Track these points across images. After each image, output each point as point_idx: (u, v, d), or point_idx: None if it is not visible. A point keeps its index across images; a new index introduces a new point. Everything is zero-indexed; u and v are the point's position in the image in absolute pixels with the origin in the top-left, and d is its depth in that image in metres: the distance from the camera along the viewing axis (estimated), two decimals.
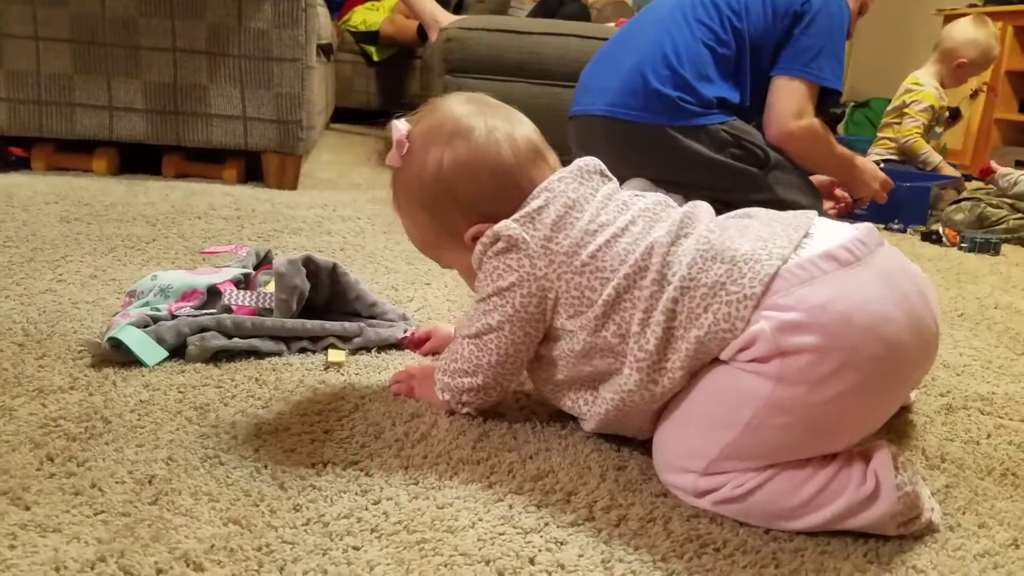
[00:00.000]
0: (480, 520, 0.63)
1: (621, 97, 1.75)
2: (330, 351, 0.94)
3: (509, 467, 0.72)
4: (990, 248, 1.92)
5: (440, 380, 0.80)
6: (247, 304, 0.99)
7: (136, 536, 0.58)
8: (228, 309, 0.97)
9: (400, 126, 0.78)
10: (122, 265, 1.24)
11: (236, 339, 0.91)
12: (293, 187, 1.99)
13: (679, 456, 0.68)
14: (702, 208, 0.76)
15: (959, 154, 3.65)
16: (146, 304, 0.96)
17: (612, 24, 3.02)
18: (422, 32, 3.18)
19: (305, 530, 0.60)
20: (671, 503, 0.68)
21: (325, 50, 2.64)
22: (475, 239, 0.75)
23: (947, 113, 2.76)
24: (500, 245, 0.73)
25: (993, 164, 2.24)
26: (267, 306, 0.98)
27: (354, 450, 0.72)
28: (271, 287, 1.00)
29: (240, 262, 1.14)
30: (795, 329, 0.61)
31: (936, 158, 2.62)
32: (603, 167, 0.79)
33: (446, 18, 2.72)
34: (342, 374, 0.89)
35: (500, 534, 0.62)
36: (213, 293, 0.99)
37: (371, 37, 3.55)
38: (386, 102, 3.67)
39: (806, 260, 0.64)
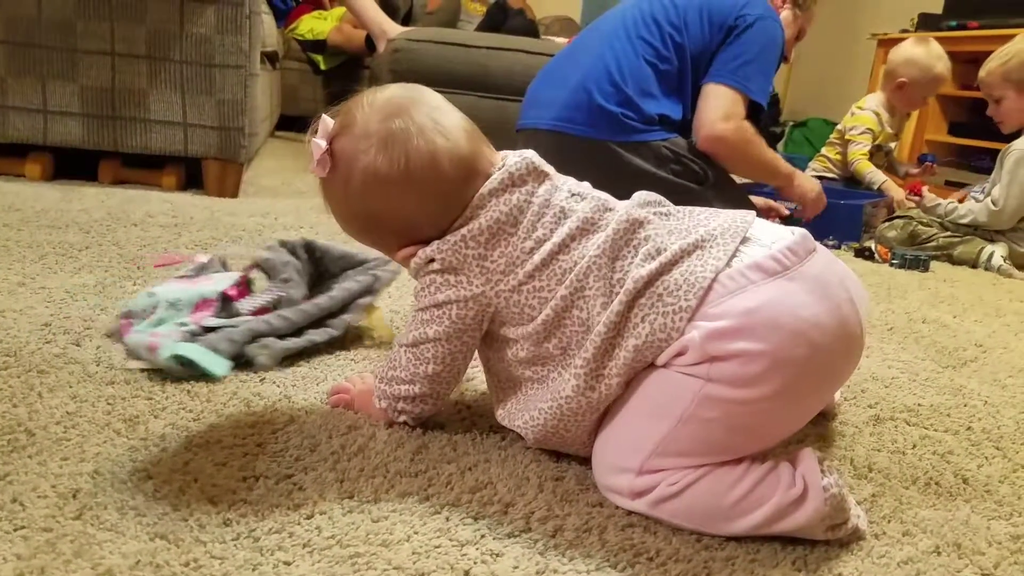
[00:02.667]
0: (416, 533, 0.63)
1: (567, 112, 1.77)
2: (369, 315, 1.01)
3: (447, 479, 0.72)
4: (919, 264, 1.99)
5: (377, 387, 0.79)
6: (261, 304, 0.98)
7: (58, 552, 0.56)
8: (237, 313, 0.96)
9: (320, 143, 0.73)
10: (52, 273, 1.20)
11: (291, 339, 0.93)
12: (234, 195, 1.96)
13: (616, 455, 0.69)
14: (640, 211, 0.73)
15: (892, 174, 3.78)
16: (161, 321, 0.93)
17: (563, 40, 3.05)
18: (370, 42, 3.16)
19: (235, 545, 0.59)
20: (607, 512, 0.68)
21: (270, 57, 2.61)
22: (407, 258, 0.75)
23: (892, 144, 2.83)
24: (435, 266, 0.73)
25: (925, 191, 2.32)
26: (280, 296, 0.99)
27: (288, 463, 0.71)
28: (260, 287, 1.03)
29: (205, 269, 1.12)
30: (723, 336, 0.63)
31: (880, 177, 2.68)
32: (537, 162, 0.76)
33: (394, 29, 2.72)
34: (277, 385, 0.88)
35: (436, 547, 0.61)
36: (225, 300, 0.97)
37: (318, 46, 3.52)
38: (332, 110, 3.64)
39: (736, 271, 0.65)
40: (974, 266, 2.11)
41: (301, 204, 1.96)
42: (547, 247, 0.71)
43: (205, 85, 1.87)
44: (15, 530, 0.58)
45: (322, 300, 0.98)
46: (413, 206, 0.73)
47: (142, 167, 1.97)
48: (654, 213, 0.74)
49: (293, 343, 0.93)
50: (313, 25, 3.53)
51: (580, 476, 0.74)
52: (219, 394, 0.84)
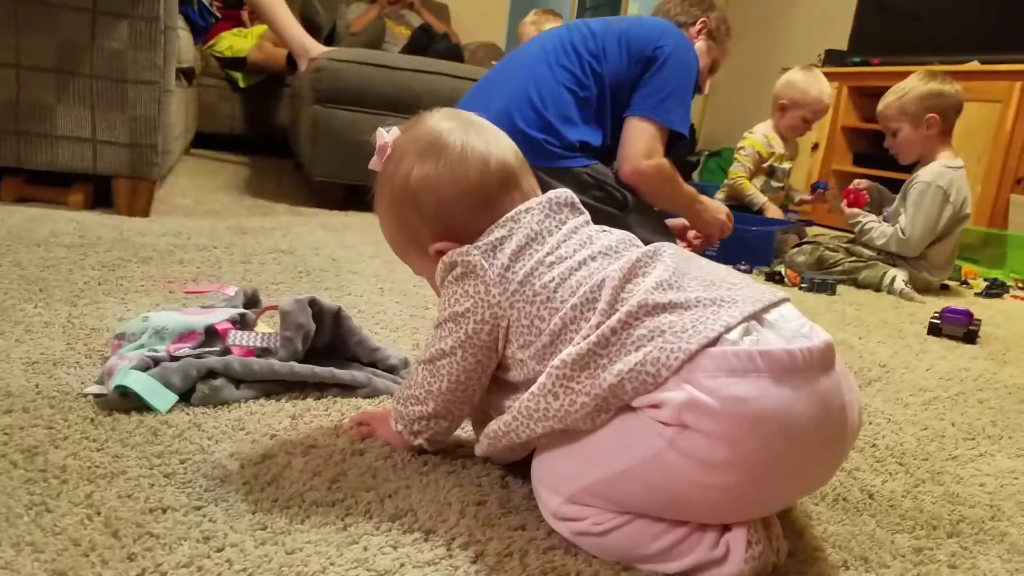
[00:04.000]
0: (332, 564, 0.61)
1: None
2: None
3: (366, 507, 0.70)
4: (827, 288, 2.07)
5: (395, 409, 0.79)
6: (249, 345, 0.95)
7: None
8: (227, 351, 0.93)
9: (384, 133, 0.78)
10: None
11: (244, 388, 0.89)
12: (145, 214, 1.89)
13: (552, 474, 0.69)
14: (668, 249, 0.73)
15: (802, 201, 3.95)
16: (141, 346, 0.90)
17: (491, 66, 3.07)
18: (291, 60, 3.12)
19: None
20: (528, 536, 0.68)
21: (187, 74, 2.54)
22: (439, 253, 0.75)
23: (787, 165, 2.95)
24: (458, 271, 0.73)
25: (843, 206, 2.42)
26: (270, 346, 0.95)
27: (197, 494, 0.68)
28: (262, 328, 1.00)
29: (229, 302, 1.10)
30: (703, 411, 0.60)
31: (761, 199, 2.79)
32: (575, 199, 0.78)
33: (316, 48, 2.69)
34: (186, 413, 0.84)
35: None
36: (211, 334, 0.94)
37: (237, 63, 3.46)
38: (251, 129, 3.57)
39: (746, 352, 0.61)
40: (878, 289, 2.21)
41: (216, 224, 1.91)
42: (568, 263, 0.71)
43: (117, 101, 1.80)
44: None
45: (302, 369, 0.92)
46: (452, 197, 0.74)
47: (48, 184, 1.88)
48: (680, 258, 0.72)
49: (242, 394, 0.89)
50: (233, 42, 3.47)
51: (503, 500, 0.74)
52: (124, 423, 0.80)
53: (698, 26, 2.09)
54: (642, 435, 0.63)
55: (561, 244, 0.73)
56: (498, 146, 0.77)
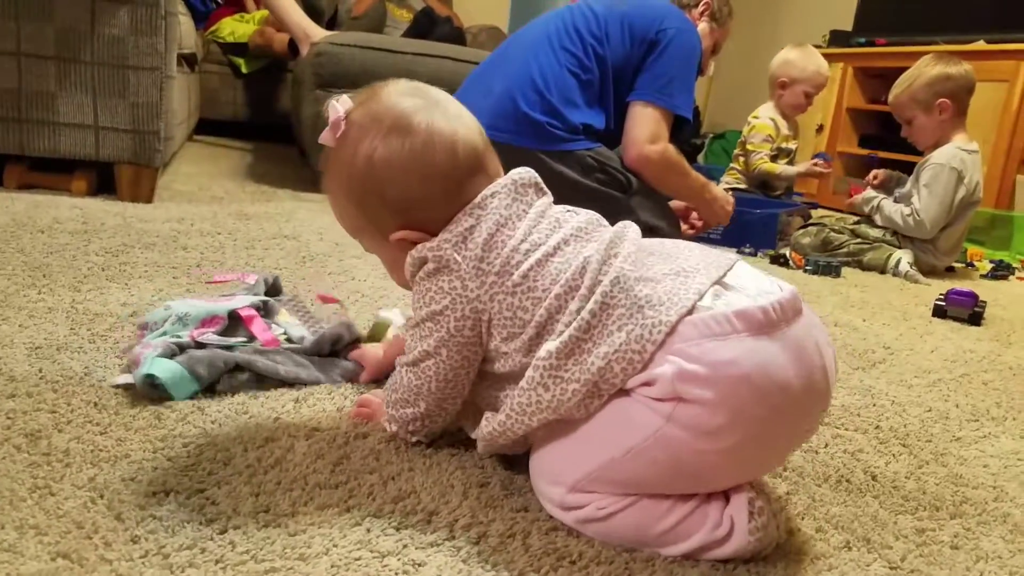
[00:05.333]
0: (335, 546, 0.61)
1: (492, 120, 1.77)
2: (378, 330, 1.02)
3: (369, 489, 0.70)
4: (832, 271, 2.07)
5: (387, 412, 0.79)
6: (278, 335, 0.97)
7: None
8: (252, 338, 0.94)
9: (338, 106, 0.73)
10: None
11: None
12: (149, 200, 1.89)
13: (553, 466, 0.69)
14: (631, 229, 0.73)
15: (805, 183, 3.92)
16: (164, 334, 0.90)
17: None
18: (293, 46, 3.10)
19: (143, 563, 0.56)
20: (531, 518, 0.68)
21: (188, 60, 2.53)
22: (400, 242, 0.73)
23: (792, 145, 2.95)
24: (430, 267, 0.70)
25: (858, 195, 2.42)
26: (295, 336, 0.98)
27: (200, 477, 0.69)
28: (284, 317, 1.02)
29: (250, 289, 1.10)
30: (695, 380, 0.60)
31: (792, 170, 2.83)
32: (538, 179, 0.76)
33: (317, 32, 2.68)
34: (190, 397, 0.85)
35: (356, 559, 0.60)
36: (233, 319, 0.94)
37: (239, 49, 3.44)
38: (254, 115, 3.56)
39: (722, 315, 0.62)
40: (883, 272, 2.20)
41: (219, 210, 1.91)
42: (543, 249, 0.69)
43: (118, 87, 1.80)
44: None
45: (324, 375, 0.94)
46: (417, 184, 0.71)
47: (51, 171, 1.88)
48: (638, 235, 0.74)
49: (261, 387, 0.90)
50: (234, 27, 3.45)
51: (505, 482, 0.74)
52: (127, 407, 0.80)
53: (701, 8, 2.08)
54: (639, 415, 0.63)
55: (532, 230, 0.71)
56: (465, 127, 0.73)
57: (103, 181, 1.91)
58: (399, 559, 0.61)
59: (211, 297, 1.04)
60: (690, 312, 0.62)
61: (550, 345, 0.65)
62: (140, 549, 0.58)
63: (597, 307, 0.65)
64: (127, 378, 0.85)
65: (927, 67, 2.25)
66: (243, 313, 0.96)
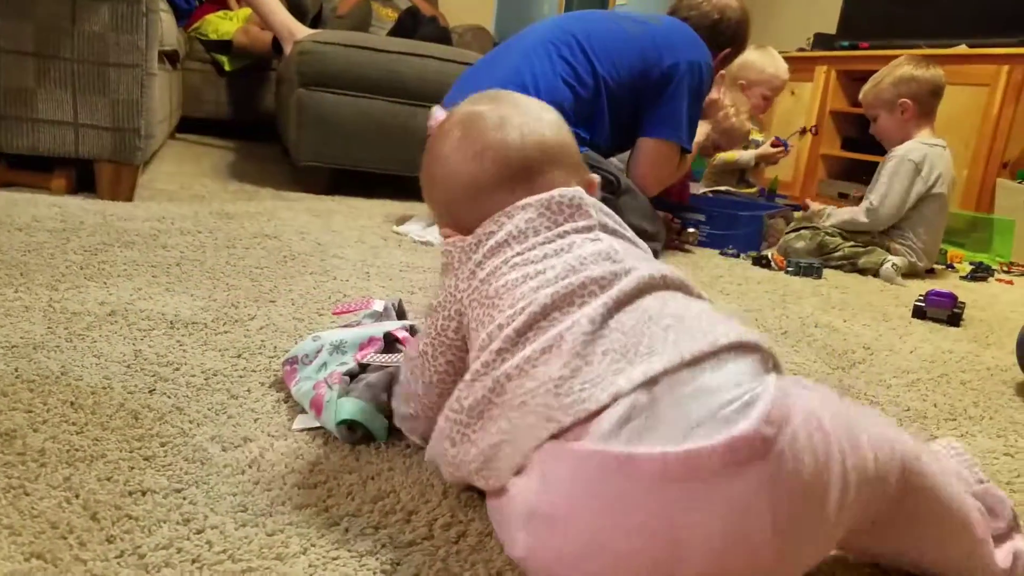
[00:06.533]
0: (313, 546, 0.61)
1: None
2: None
3: (348, 489, 0.70)
4: (813, 272, 2.08)
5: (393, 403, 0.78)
6: None
7: None
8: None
9: (437, 114, 0.78)
10: None
11: None
12: (129, 198, 1.87)
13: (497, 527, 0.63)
14: (635, 276, 0.61)
15: (789, 186, 3.95)
16: (325, 366, 0.87)
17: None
18: (277, 44, 3.09)
19: (118, 563, 0.56)
20: None
21: (171, 57, 2.51)
22: (445, 237, 0.73)
23: (759, 138, 3.02)
24: (443, 262, 0.71)
25: (809, 201, 2.48)
26: None
27: (177, 477, 0.68)
28: None
29: (377, 316, 1.04)
30: (545, 515, 0.53)
31: (748, 154, 2.95)
32: (583, 200, 0.68)
33: (301, 31, 2.67)
34: (168, 397, 0.84)
35: (333, 559, 0.60)
36: (390, 340, 0.91)
37: (223, 47, 3.42)
38: (237, 113, 3.54)
39: (600, 455, 0.50)
40: (876, 275, 2.21)
41: (200, 209, 1.90)
42: (527, 269, 0.63)
43: (98, 84, 1.78)
44: None
45: None
46: (443, 187, 0.73)
47: (30, 169, 1.86)
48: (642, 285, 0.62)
49: None
50: (218, 25, 3.43)
51: None
52: (105, 406, 0.80)
53: (721, 55, 2.10)
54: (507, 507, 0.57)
55: (537, 246, 0.65)
56: (528, 134, 0.70)
57: (83, 179, 1.89)
58: (377, 559, 0.61)
59: (359, 325, 0.99)
60: (593, 416, 0.51)
61: (463, 397, 0.60)
62: (115, 549, 0.57)
63: (515, 370, 0.57)
64: (309, 421, 0.81)
65: (896, 67, 2.28)
66: (398, 334, 0.92)
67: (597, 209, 0.69)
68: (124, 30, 1.77)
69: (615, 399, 0.51)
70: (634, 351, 0.54)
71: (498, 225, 0.67)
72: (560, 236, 0.66)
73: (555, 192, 0.68)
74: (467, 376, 0.61)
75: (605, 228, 0.68)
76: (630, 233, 0.71)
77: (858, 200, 2.43)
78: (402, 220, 2.05)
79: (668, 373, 0.52)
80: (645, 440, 0.49)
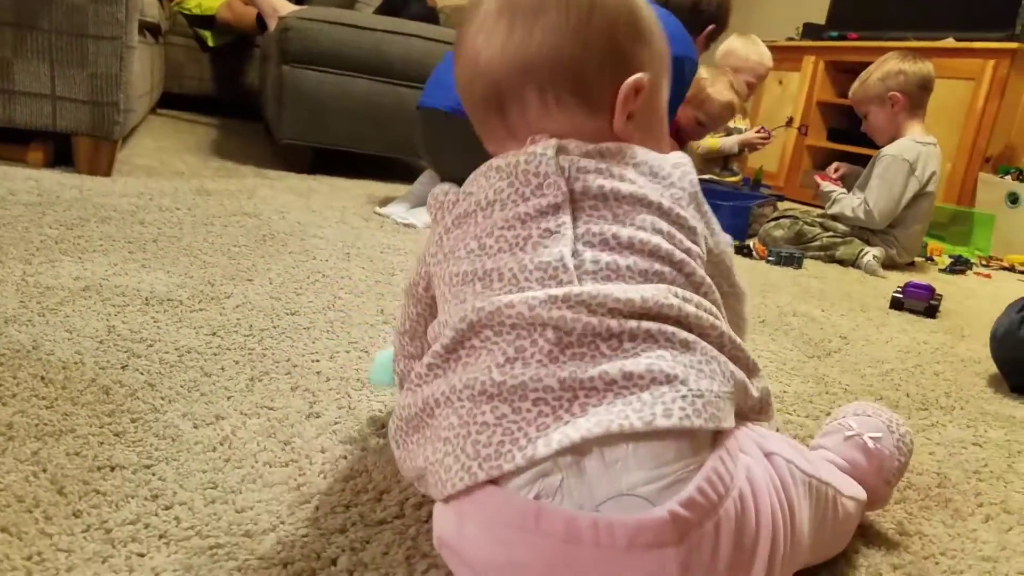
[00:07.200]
0: (282, 523, 0.61)
1: None
2: None
3: (320, 468, 0.70)
4: (793, 262, 2.09)
5: None
6: None
7: None
8: None
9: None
10: None
11: None
12: (107, 173, 1.84)
13: None
14: (580, 308, 0.49)
15: (774, 176, 3.96)
16: None
17: None
18: (261, 20, 3.05)
19: (84, 537, 0.56)
20: None
21: (152, 30, 2.48)
22: None
23: (742, 126, 3.03)
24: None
25: (817, 178, 2.45)
26: None
27: (148, 453, 0.68)
28: None
29: None
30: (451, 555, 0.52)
31: (732, 140, 2.94)
32: (548, 165, 0.54)
33: (285, 7, 2.64)
34: (141, 373, 0.83)
35: (302, 536, 0.60)
36: None
37: (206, 22, 3.37)
38: (220, 90, 3.50)
39: (520, 506, 0.46)
40: (854, 265, 2.23)
41: (179, 185, 1.88)
42: (472, 265, 0.54)
43: (77, 57, 1.75)
44: None
45: None
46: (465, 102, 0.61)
47: (6, 142, 1.83)
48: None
49: None
50: (202, 0, 3.38)
51: None
52: (76, 381, 0.79)
53: (705, 32, 2.08)
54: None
55: (496, 230, 0.54)
56: (501, 49, 0.56)
57: (60, 153, 1.86)
58: (346, 536, 0.61)
59: None
60: (511, 474, 0.47)
61: (404, 407, 0.54)
62: (82, 524, 0.57)
63: (443, 398, 0.51)
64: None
65: (884, 62, 2.29)
66: None
67: (573, 173, 0.54)
68: (103, 1, 1.73)
69: (533, 465, 0.46)
70: (567, 407, 0.47)
71: (474, 187, 0.57)
72: (521, 221, 0.53)
73: (523, 155, 0.55)
74: (414, 376, 0.54)
75: (583, 202, 0.53)
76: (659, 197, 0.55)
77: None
78: (385, 202, 2.04)
79: (596, 443, 0.46)
80: (559, 503, 0.46)
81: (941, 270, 2.43)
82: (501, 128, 0.58)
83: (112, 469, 0.64)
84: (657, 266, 0.52)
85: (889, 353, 1.36)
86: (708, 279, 0.55)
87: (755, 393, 0.55)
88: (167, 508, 0.60)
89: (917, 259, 2.47)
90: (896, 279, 2.05)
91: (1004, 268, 2.68)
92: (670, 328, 0.50)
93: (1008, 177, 3.04)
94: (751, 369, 0.57)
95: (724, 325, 0.54)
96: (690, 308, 0.51)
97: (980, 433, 1.04)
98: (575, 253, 0.51)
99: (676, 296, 0.51)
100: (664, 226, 0.54)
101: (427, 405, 0.52)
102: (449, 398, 0.50)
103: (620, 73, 0.57)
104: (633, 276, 0.51)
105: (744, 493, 0.48)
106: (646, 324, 0.49)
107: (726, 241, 0.63)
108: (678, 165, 0.58)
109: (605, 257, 0.51)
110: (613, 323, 0.48)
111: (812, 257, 2.24)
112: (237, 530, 0.59)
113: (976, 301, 1.99)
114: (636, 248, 0.52)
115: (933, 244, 2.65)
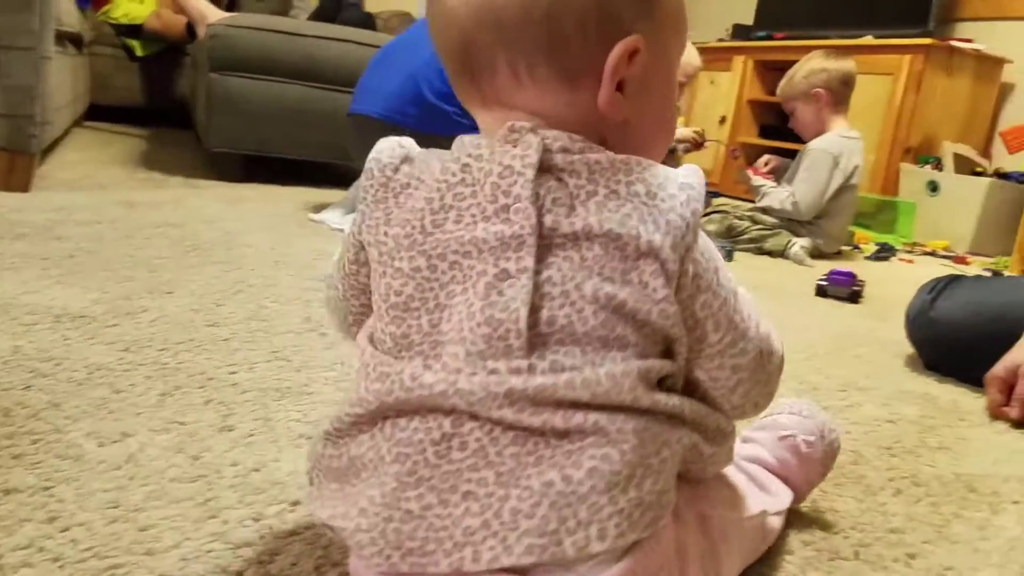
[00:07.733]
0: (187, 539, 0.60)
1: (399, 103, 1.78)
2: None
3: (231, 481, 0.69)
4: (724, 255, 2.13)
5: None
6: None
7: None
8: None
9: None
10: None
11: None
12: (25, 189, 1.79)
13: None
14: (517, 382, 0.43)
15: (708, 174, 4.03)
16: None
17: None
18: (191, 28, 3.00)
19: None
20: None
21: (73, 40, 2.41)
22: None
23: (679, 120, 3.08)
24: None
25: (749, 172, 2.49)
26: None
27: (47, 475, 0.66)
28: None
29: None
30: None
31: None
32: (556, 162, 0.46)
33: (215, 14, 2.60)
34: (46, 393, 0.81)
35: (208, 551, 0.59)
36: None
37: (134, 31, 3.30)
38: (150, 100, 3.42)
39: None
40: (783, 256, 2.28)
41: (102, 198, 1.83)
42: (402, 291, 0.47)
43: None
44: None
45: None
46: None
47: None
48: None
49: None
50: (128, 9, 3.30)
51: None
52: None
53: None
54: None
55: (451, 253, 0.46)
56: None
57: None
58: (254, 549, 0.60)
59: None
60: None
61: (327, 456, 0.50)
62: None
63: (369, 461, 0.47)
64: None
65: (808, 60, 2.36)
66: None
67: (548, 204, 0.45)
68: (14, 9, 1.68)
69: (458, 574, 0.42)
70: (496, 509, 0.42)
71: (427, 175, 0.49)
72: (477, 249, 0.45)
73: (497, 164, 0.46)
74: (336, 424, 0.49)
75: (552, 239, 0.45)
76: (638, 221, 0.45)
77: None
78: (319, 208, 2.02)
79: (533, 569, 0.42)
80: None
81: (867, 257, 2.50)
82: (475, 94, 0.50)
83: (7, 493, 0.62)
84: (619, 330, 0.45)
85: (813, 338, 1.40)
86: (681, 336, 0.48)
87: (707, 452, 0.51)
88: (64, 530, 0.59)
89: (844, 248, 2.54)
90: (823, 268, 2.10)
91: (927, 253, 2.77)
92: (620, 417, 0.44)
93: (928, 167, 3.15)
94: (717, 435, 0.52)
95: (688, 401, 0.48)
96: (645, 399, 0.45)
97: (895, 411, 1.07)
98: (532, 309, 0.44)
99: (634, 375, 0.44)
100: (634, 276, 0.45)
101: (353, 464, 0.47)
102: (377, 467, 0.45)
103: (608, 33, 0.46)
104: (591, 342, 0.44)
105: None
106: (594, 416, 0.43)
107: (728, 287, 0.51)
108: (685, 187, 0.47)
109: (562, 318, 0.44)
110: (558, 421, 0.43)
111: (743, 250, 2.29)
112: (138, 548, 0.58)
113: (899, 285, 2.05)
114: (600, 304, 0.44)
115: (860, 233, 2.73)
